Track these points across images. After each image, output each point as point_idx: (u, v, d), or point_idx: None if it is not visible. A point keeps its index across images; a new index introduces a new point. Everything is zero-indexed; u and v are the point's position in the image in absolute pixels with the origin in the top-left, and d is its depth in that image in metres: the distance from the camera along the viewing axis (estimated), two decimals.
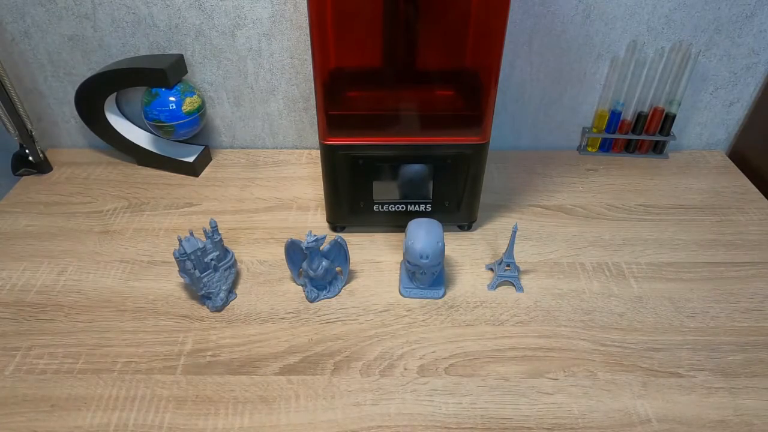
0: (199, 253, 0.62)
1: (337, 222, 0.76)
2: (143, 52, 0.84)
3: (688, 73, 0.82)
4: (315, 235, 0.61)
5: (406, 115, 0.68)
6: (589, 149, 0.94)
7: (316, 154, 0.93)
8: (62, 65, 0.85)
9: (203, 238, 0.63)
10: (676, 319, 0.64)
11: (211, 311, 0.64)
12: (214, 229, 0.63)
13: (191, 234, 0.62)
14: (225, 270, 0.65)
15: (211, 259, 0.63)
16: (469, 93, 0.70)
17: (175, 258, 0.61)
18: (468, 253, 0.73)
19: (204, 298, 0.64)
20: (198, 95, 0.83)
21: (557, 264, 0.71)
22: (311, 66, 0.61)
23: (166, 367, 0.58)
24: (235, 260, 0.67)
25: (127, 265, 0.71)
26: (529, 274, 0.69)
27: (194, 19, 0.81)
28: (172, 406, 0.54)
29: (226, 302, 0.64)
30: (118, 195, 0.84)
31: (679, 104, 0.86)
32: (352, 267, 0.69)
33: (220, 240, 0.64)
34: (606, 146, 0.94)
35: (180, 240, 0.61)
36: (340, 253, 0.66)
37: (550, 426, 0.52)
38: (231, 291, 0.66)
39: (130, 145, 0.87)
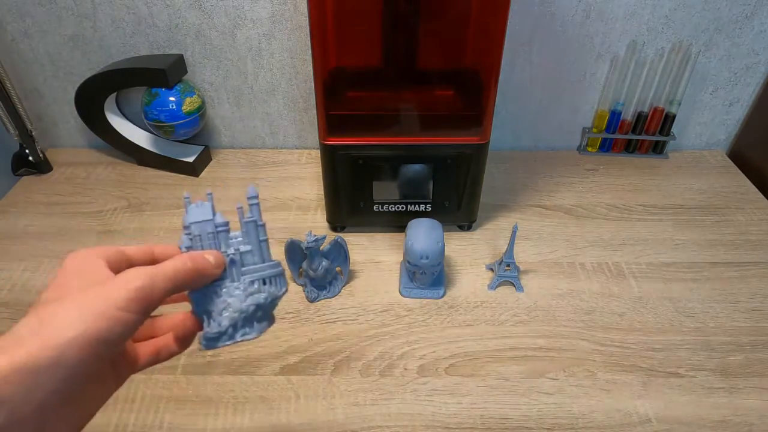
0: (210, 233, 0.35)
1: (337, 222, 0.76)
2: (143, 52, 0.84)
3: (688, 73, 0.82)
4: (315, 235, 0.61)
5: (406, 115, 0.68)
6: (589, 149, 0.94)
7: (316, 154, 0.93)
8: (62, 65, 0.85)
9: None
10: (676, 319, 0.64)
11: (201, 340, 0.34)
12: (254, 203, 0.36)
13: (210, 198, 0.36)
14: (251, 284, 0.35)
15: (235, 251, 0.35)
16: (469, 93, 0.70)
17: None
18: (468, 253, 0.73)
19: (198, 314, 0.35)
20: (198, 95, 0.83)
21: (557, 264, 0.71)
22: (311, 66, 0.61)
23: (166, 367, 0.58)
24: (283, 279, 0.38)
25: None
26: (529, 274, 0.69)
27: (194, 19, 0.81)
28: (172, 406, 0.54)
29: (225, 336, 0.34)
30: (118, 195, 0.84)
31: (679, 104, 0.86)
32: (352, 267, 0.69)
33: (261, 228, 0.36)
34: (606, 146, 0.94)
35: (186, 202, 0.36)
36: (340, 253, 0.66)
37: (550, 426, 0.52)
38: (247, 324, 0.35)
39: (130, 145, 0.87)
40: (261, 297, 0.35)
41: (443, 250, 0.62)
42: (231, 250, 0.35)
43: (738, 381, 0.57)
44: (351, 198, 0.72)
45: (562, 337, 0.61)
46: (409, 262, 0.62)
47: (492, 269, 0.70)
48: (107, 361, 0.31)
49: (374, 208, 0.72)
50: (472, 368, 0.58)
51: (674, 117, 0.87)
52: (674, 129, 0.90)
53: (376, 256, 0.72)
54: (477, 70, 0.68)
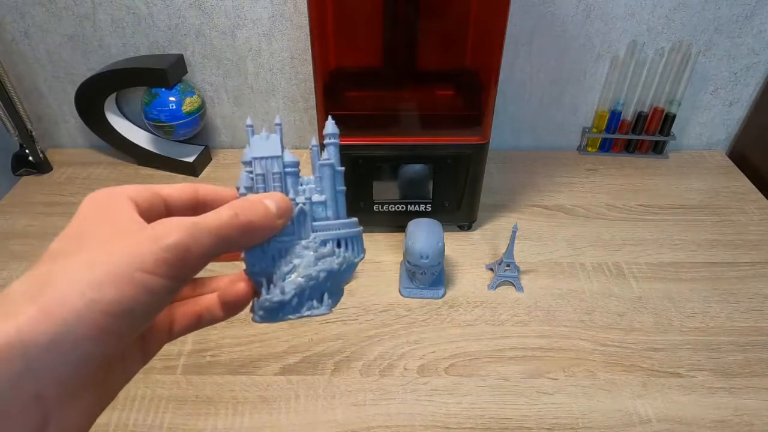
0: (276, 174, 0.27)
1: None
2: (143, 52, 0.84)
3: (688, 73, 0.82)
4: None
5: (406, 115, 0.68)
6: (589, 149, 0.94)
7: None
8: (62, 65, 0.85)
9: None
10: (676, 319, 0.64)
11: (256, 309, 0.27)
12: (332, 142, 0.29)
13: (278, 130, 0.28)
14: (323, 244, 0.28)
15: (306, 200, 0.28)
16: (469, 93, 0.70)
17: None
18: (468, 253, 0.73)
19: (254, 275, 0.27)
20: (198, 95, 0.83)
21: (557, 264, 0.71)
22: (311, 66, 0.61)
23: (166, 367, 0.58)
24: (361, 243, 0.31)
25: None
26: (529, 274, 0.69)
27: (194, 19, 0.81)
28: (172, 406, 0.54)
29: (289, 308, 0.27)
30: None
31: (679, 104, 0.86)
32: None
33: (339, 175, 0.29)
34: (606, 146, 0.94)
35: (250, 132, 0.28)
36: None
37: (550, 426, 0.52)
38: (315, 296, 0.28)
39: (130, 145, 0.87)
40: (335, 262, 0.28)
41: (443, 250, 0.62)
42: (301, 198, 0.27)
43: (738, 381, 0.57)
44: (351, 198, 0.71)
45: (562, 337, 0.61)
46: (409, 262, 0.62)
47: (492, 269, 0.70)
48: (131, 337, 0.22)
49: (374, 208, 0.72)
50: (472, 368, 0.58)
51: (674, 117, 0.87)
52: (674, 129, 0.90)
53: (376, 256, 0.72)
54: (477, 70, 0.68)
